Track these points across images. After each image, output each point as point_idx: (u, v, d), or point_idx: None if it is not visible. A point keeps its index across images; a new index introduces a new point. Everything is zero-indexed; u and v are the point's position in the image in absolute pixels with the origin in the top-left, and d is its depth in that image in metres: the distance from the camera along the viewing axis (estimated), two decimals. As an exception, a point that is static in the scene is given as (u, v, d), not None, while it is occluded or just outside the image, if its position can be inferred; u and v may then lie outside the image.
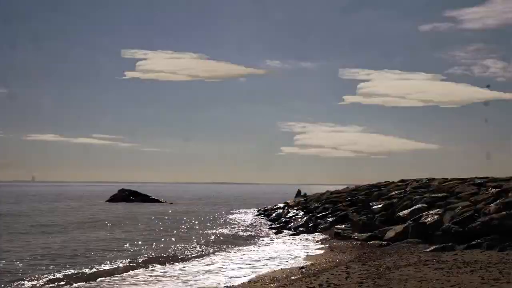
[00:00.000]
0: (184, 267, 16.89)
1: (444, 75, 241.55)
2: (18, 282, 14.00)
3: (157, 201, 67.61)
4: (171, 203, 65.05)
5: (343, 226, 25.11)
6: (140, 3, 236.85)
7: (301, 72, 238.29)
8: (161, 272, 15.88)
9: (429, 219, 20.24)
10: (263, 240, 25.05)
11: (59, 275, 14.84)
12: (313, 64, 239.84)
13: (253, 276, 14.62)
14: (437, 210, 21.01)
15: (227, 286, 13.32)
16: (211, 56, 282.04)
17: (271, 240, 25.02)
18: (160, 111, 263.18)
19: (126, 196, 67.84)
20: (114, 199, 67.58)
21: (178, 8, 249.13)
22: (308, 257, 18.16)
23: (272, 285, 12.91)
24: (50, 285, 13.92)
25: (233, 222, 35.79)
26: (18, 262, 17.06)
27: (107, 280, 14.62)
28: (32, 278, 14.50)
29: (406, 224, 21.00)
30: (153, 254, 19.51)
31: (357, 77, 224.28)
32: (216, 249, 21.31)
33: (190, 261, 18.31)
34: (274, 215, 38.16)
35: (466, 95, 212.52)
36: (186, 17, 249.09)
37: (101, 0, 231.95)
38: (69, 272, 15.33)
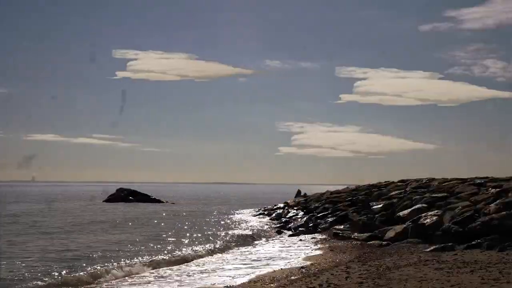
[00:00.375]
0: (183, 267, 16.89)
1: (442, 73, 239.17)
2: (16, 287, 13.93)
3: (158, 201, 65.82)
4: (173, 203, 63.93)
5: (342, 226, 25.08)
6: (132, 4, 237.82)
7: (297, 72, 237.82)
8: (161, 273, 15.87)
9: (427, 220, 20.21)
10: (262, 240, 25.04)
11: (58, 278, 14.73)
12: (310, 64, 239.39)
13: (253, 276, 14.61)
14: (436, 211, 20.96)
15: (227, 286, 13.32)
16: (200, 56, 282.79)
17: (271, 240, 25.01)
18: (158, 111, 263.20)
19: (124, 195, 65.34)
20: (112, 199, 65.12)
21: (170, 9, 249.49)
22: (308, 257, 18.16)
23: (272, 285, 12.90)
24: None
25: (233, 222, 35.77)
26: (19, 263, 17.03)
27: (105, 282, 14.63)
28: (31, 280, 14.39)
29: (405, 225, 20.96)
30: (153, 254, 19.49)
31: (353, 75, 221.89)
32: (216, 249, 21.29)
33: (189, 261, 18.30)
34: (274, 215, 38.18)
35: (464, 94, 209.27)
36: (177, 18, 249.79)
37: (93, 2, 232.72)
38: (68, 275, 15.19)
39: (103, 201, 64.41)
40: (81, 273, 15.30)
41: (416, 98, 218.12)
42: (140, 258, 18.32)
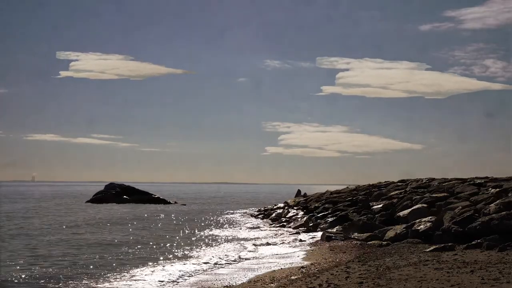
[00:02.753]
0: (183, 267, 16.89)
1: (430, 64, 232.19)
2: None
3: (164, 201, 57.30)
4: (184, 204, 57.75)
5: (334, 229, 24.94)
6: (75, 9, 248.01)
7: (280, 71, 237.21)
8: (161, 272, 15.87)
9: (421, 226, 20.08)
10: (263, 240, 25.03)
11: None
12: (294, 62, 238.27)
13: (252, 276, 14.62)
14: (430, 217, 20.76)
15: (227, 286, 13.31)
16: (135, 57, 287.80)
17: (271, 240, 25.00)
18: (154, 111, 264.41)
19: (116, 194, 52.84)
20: (99, 198, 52.16)
21: (110, 14, 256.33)
22: (308, 257, 18.15)
23: (272, 285, 12.90)
24: None
25: (234, 222, 35.79)
26: (17, 267, 17.00)
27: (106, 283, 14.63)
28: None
29: (399, 231, 20.76)
30: (153, 254, 19.50)
31: (336, 66, 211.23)
32: (215, 249, 21.30)
33: (189, 261, 18.30)
34: (274, 215, 38.19)
35: (453, 86, 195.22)
36: (116, 22, 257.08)
37: (37, 8, 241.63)
38: (69, 282, 15.09)
39: (86, 202, 53.66)
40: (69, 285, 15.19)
41: (402, 90, 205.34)
42: (140, 257, 18.31)
